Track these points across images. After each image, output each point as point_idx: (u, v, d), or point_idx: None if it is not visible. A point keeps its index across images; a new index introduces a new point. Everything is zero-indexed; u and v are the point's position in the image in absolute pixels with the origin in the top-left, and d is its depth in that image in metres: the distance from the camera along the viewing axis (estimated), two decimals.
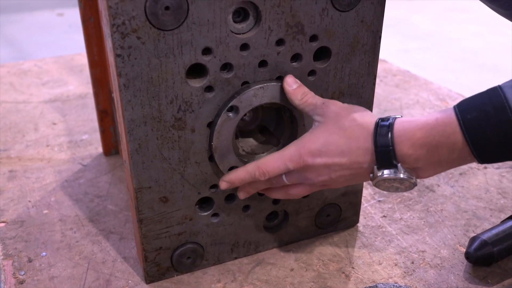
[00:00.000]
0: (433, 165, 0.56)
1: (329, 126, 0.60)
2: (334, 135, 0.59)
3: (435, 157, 0.55)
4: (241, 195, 0.67)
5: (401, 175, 0.55)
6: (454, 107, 0.54)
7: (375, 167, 0.57)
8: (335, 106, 0.61)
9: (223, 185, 0.65)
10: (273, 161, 0.62)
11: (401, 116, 0.58)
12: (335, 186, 0.64)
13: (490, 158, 0.53)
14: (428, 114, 0.55)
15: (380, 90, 1.31)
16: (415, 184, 0.57)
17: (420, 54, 2.23)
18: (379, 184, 0.58)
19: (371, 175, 0.58)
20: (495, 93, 0.52)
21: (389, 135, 0.55)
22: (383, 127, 0.56)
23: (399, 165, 0.56)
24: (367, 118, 0.59)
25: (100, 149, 1.04)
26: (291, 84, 0.63)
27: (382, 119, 0.58)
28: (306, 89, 0.63)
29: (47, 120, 1.16)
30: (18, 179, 0.94)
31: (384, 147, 0.55)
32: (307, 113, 0.63)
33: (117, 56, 0.55)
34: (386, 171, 0.56)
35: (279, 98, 0.64)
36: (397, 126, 0.56)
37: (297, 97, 0.63)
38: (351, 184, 0.64)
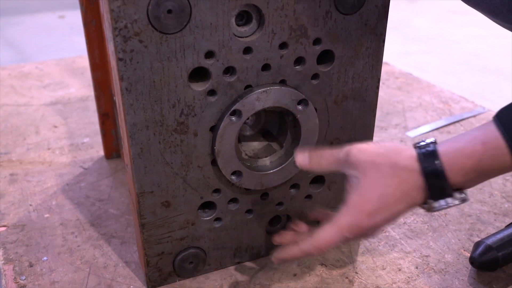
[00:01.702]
0: (480, 181, 0.55)
1: (372, 179, 0.56)
2: (384, 188, 0.55)
3: (484, 178, 0.55)
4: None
5: (457, 202, 0.55)
6: (497, 123, 0.52)
7: (431, 200, 0.55)
8: (364, 154, 0.57)
9: (275, 260, 0.63)
10: (329, 237, 0.58)
11: (435, 141, 0.56)
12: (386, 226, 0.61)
13: None
14: (470, 137, 0.53)
15: (382, 93, 1.30)
16: (467, 201, 0.56)
17: (422, 57, 2.22)
18: (434, 211, 0.57)
19: (424, 205, 0.56)
20: None
21: (440, 169, 0.53)
22: (429, 159, 0.54)
23: (454, 192, 0.54)
24: (405, 154, 0.56)
25: (101, 152, 1.03)
26: (302, 160, 0.61)
27: (420, 148, 0.55)
28: (319, 153, 0.61)
29: (48, 123, 1.16)
30: (19, 182, 0.94)
31: (436, 182, 0.54)
32: (339, 171, 0.60)
33: (119, 59, 0.54)
34: (442, 202, 0.55)
35: (282, 102, 0.63)
36: (444, 158, 0.53)
37: (316, 167, 0.61)
38: None
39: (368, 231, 0.58)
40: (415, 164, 0.55)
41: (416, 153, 0.55)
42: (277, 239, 0.65)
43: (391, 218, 0.57)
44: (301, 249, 0.60)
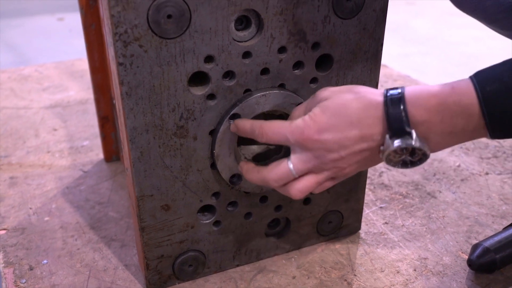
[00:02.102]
0: (446, 135, 0.53)
1: (332, 101, 0.56)
2: (342, 107, 0.55)
3: (449, 126, 0.52)
4: (248, 179, 0.63)
5: (414, 143, 0.52)
6: (471, 77, 0.51)
7: (387, 136, 0.53)
8: (329, 90, 0.58)
9: (232, 127, 0.63)
10: (276, 127, 0.58)
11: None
12: (345, 172, 0.58)
13: (503, 133, 0.51)
14: (442, 83, 0.53)
15: None
16: (427, 156, 0.54)
17: (420, 59, 2.23)
18: (390, 157, 0.54)
19: (381, 147, 0.55)
20: None
21: (401, 101, 0.52)
22: (394, 94, 0.53)
23: (412, 131, 0.52)
24: (371, 89, 0.56)
25: (101, 155, 1.04)
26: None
27: (391, 88, 0.55)
28: (291, 116, 0.62)
29: (47, 126, 1.16)
30: (19, 185, 0.94)
31: (396, 113, 0.52)
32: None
33: (119, 64, 0.55)
34: (398, 140, 0.52)
35: (281, 106, 0.64)
36: (408, 93, 0.52)
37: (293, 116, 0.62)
38: (361, 169, 0.59)
39: (316, 149, 0.56)
40: (379, 96, 0.54)
41: (383, 90, 0.55)
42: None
43: (344, 145, 0.55)
44: (252, 124, 0.60)
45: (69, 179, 0.96)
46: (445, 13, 2.75)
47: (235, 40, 0.59)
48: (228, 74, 0.61)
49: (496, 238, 0.73)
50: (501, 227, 0.81)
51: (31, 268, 0.74)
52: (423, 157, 0.54)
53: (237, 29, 0.60)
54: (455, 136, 0.53)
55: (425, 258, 0.76)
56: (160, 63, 0.57)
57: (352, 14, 0.63)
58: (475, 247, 0.73)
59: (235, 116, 0.62)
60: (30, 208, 0.88)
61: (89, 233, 0.82)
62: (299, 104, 0.64)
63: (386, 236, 0.81)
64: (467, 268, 0.74)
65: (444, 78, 1.96)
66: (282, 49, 0.62)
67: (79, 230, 0.82)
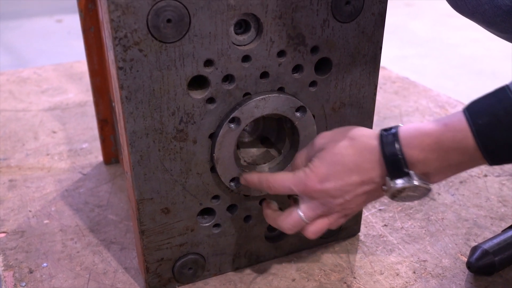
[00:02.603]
0: (444, 169, 0.55)
1: (330, 149, 0.58)
2: (338, 156, 0.57)
3: (445, 161, 0.54)
4: (267, 221, 0.67)
5: (415, 182, 0.54)
6: (464, 110, 0.52)
7: (387, 178, 0.56)
8: (325, 136, 0.60)
9: (241, 180, 0.67)
10: (281, 180, 0.62)
11: (403, 125, 0.57)
12: (354, 210, 0.61)
13: (502, 161, 0.52)
14: (434, 120, 0.54)
15: (379, 97, 1.31)
16: (429, 190, 0.56)
17: (419, 61, 2.23)
18: (395, 195, 0.56)
19: (384, 187, 0.57)
20: (504, 94, 0.51)
21: (396, 142, 0.54)
22: (389, 136, 0.55)
23: (411, 172, 0.54)
24: (365, 132, 0.58)
25: (100, 158, 1.04)
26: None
27: (385, 129, 0.57)
28: (293, 163, 0.64)
29: (46, 128, 1.16)
30: (18, 188, 0.94)
31: (393, 156, 0.54)
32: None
33: (119, 68, 0.55)
34: (399, 181, 0.54)
35: (280, 109, 0.64)
36: (402, 133, 0.54)
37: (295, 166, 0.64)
38: (368, 203, 0.62)
39: (321, 197, 0.59)
40: (373, 139, 0.56)
41: (377, 132, 0.57)
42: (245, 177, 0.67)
43: (346, 190, 0.58)
44: (259, 178, 0.64)
45: (68, 182, 0.96)
46: (444, 15, 2.76)
47: (234, 44, 0.59)
48: (228, 78, 0.61)
49: (495, 241, 0.73)
50: (500, 229, 0.82)
51: (30, 271, 0.74)
52: (425, 191, 0.56)
53: (237, 33, 0.60)
54: (454, 168, 0.55)
55: (424, 261, 0.76)
56: (159, 67, 0.57)
57: (351, 18, 0.63)
58: (474, 249, 0.73)
59: (235, 120, 0.62)
60: (30, 211, 0.88)
61: (89, 236, 0.82)
62: (298, 107, 0.65)
63: (385, 239, 0.81)
64: (466, 271, 0.74)
65: (442, 80, 1.96)
66: (281, 53, 0.62)
67: (79, 233, 0.82)
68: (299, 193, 0.61)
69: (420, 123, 0.55)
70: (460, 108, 1.27)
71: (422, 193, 0.56)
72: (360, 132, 0.58)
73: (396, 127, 0.56)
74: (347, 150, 0.57)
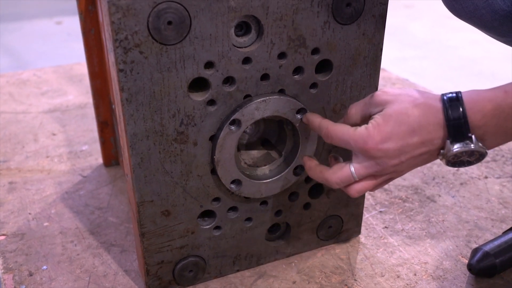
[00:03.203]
0: (500, 135, 0.56)
1: (392, 109, 0.57)
2: (403, 115, 0.57)
3: (502, 128, 0.55)
4: (309, 175, 0.66)
5: (473, 146, 0.55)
6: None
7: (448, 141, 0.56)
8: (387, 93, 0.59)
9: (304, 119, 0.66)
10: (341, 132, 0.60)
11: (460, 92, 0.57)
12: (403, 173, 0.61)
13: None
14: (494, 87, 0.55)
15: None
16: (485, 155, 0.56)
17: (418, 62, 2.23)
18: (451, 160, 0.57)
19: (441, 151, 0.57)
20: None
21: (461, 106, 0.55)
22: (452, 100, 0.55)
23: (473, 136, 0.55)
24: (428, 93, 0.58)
25: (100, 160, 1.03)
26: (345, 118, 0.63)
27: (446, 93, 0.57)
28: (347, 114, 0.63)
29: (46, 130, 1.16)
30: (18, 191, 0.94)
31: (456, 120, 0.54)
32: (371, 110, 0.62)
33: (119, 71, 0.55)
34: (458, 144, 0.55)
35: (281, 111, 0.64)
36: (466, 98, 0.55)
37: (354, 117, 0.62)
38: (416, 167, 0.61)
39: (378, 157, 0.58)
40: (437, 102, 0.56)
41: (440, 94, 0.57)
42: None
43: (405, 151, 0.57)
44: (320, 123, 0.63)
45: (68, 184, 0.96)
46: (443, 17, 2.76)
47: (235, 46, 0.59)
48: (228, 80, 0.61)
49: (496, 242, 0.73)
50: (501, 231, 0.82)
51: (30, 274, 0.74)
52: (480, 157, 0.57)
53: (237, 35, 0.60)
54: (508, 135, 0.56)
55: (425, 263, 0.76)
56: (160, 69, 0.57)
57: (351, 20, 0.63)
58: (475, 251, 0.73)
59: (235, 122, 0.62)
60: (29, 214, 0.88)
61: (89, 239, 0.81)
62: (299, 109, 0.64)
63: (386, 241, 0.81)
64: (467, 273, 0.74)
65: (442, 82, 1.96)
66: (282, 55, 0.62)
67: (79, 235, 0.82)
68: (357, 150, 0.59)
69: (479, 89, 0.56)
70: None
71: (477, 158, 0.56)
72: (423, 93, 0.58)
73: (459, 92, 0.56)
74: (413, 110, 0.57)
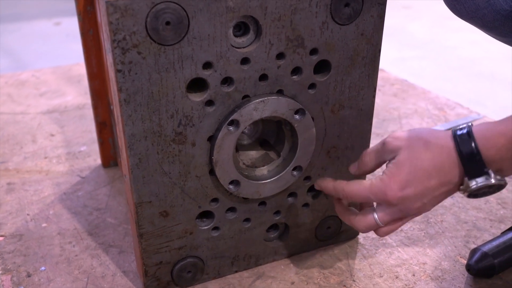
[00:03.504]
0: None
1: (406, 155, 0.58)
2: (416, 161, 0.58)
3: None
4: (341, 218, 0.69)
5: (493, 180, 0.55)
6: None
7: (465, 178, 0.56)
8: (397, 139, 0.60)
9: (316, 186, 0.70)
10: (358, 190, 0.62)
11: (472, 124, 0.57)
12: (428, 210, 0.61)
13: None
14: (504, 118, 0.55)
15: (378, 99, 1.31)
16: (505, 185, 0.57)
17: (417, 63, 2.23)
18: (472, 193, 0.57)
19: (461, 187, 0.57)
20: None
21: (473, 143, 0.55)
22: (463, 137, 0.56)
23: (490, 171, 0.55)
24: (439, 133, 0.58)
25: (98, 161, 1.03)
26: (353, 169, 0.66)
27: (457, 130, 0.57)
28: (362, 157, 0.65)
29: (45, 131, 1.16)
30: (17, 191, 0.94)
31: (471, 156, 0.55)
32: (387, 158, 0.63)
33: (117, 71, 0.55)
34: (478, 180, 0.55)
35: (279, 112, 0.64)
36: (477, 134, 0.55)
37: (366, 168, 0.65)
38: (439, 203, 0.62)
39: (400, 203, 0.59)
40: (449, 141, 0.57)
41: (450, 132, 0.57)
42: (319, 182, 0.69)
43: (425, 194, 0.58)
44: (335, 186, 0.65)
45: (66, 185, 0.96)
46: (442, 17, 2.76)
47: (233, 46, 0.59)
48: (227, 80, 0.61)
49: (495, 243, 0.73)
50: (499, 232, 0.81)
51: (28, 275, 0.74)
52: (500, 187, 0.57)
53: (236, 36, 0.60)
54: None
55: (423, 263, 0.76)
56: (158, 70, 0.57)
57: (350, 20, 0.63)
58: (473, 252, 0.73)
59: (234, 122, 0.62)
60: (28, 215, 0.87)
61: (87, 240, 0.81)
62: (298, 109, 0.64)
63: (384, 241, 0.81)
64: (466, 273, 0.74)
65: (441, 82, 1.96)
66: (280, 55, 0.62)
67: (77, 236, 0.82)
68: (378, 201, 0.61)
69: (490, 122, 0.56)
70: (458, 110, 1.27)
71: (497, 188, 0.57)
72: (434, 134, 0.59)
73: (468, 127, 0.57)
74: (425, 154, 0.57)
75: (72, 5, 0.90)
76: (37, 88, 1.39)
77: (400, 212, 0.61)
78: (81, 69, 1.49)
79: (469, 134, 0.55)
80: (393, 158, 0.60)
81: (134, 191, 0.62)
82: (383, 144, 0.61)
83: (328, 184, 0.67)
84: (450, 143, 0.56)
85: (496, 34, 0.66)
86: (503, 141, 0.54)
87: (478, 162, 0.55)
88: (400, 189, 0.58)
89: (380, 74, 1.45)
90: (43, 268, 0.75)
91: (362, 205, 0.68)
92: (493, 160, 0.55)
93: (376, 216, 0.62)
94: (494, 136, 0.54)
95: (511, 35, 0.66)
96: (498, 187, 0.57)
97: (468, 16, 0.65)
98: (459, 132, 0.56)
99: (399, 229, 0.83)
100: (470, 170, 0.55)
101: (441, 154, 0.57)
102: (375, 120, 1.20)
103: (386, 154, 0.61)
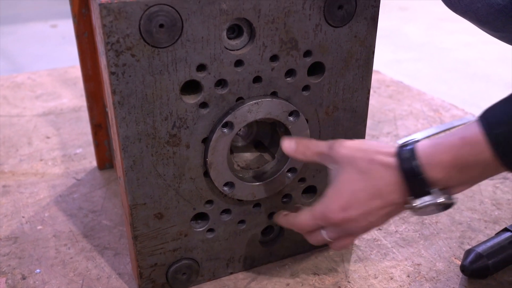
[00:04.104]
0: (466, 182, 0.54)
1: (348, 174, 0.57)
2: (358, 182, 0.56)
3: (466, 175, 0.53)
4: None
5: (438, 200, 0.53)
6: (479, 120, 0.51)
7: (409, 198, 0.55)
8: (345, 149, 0.58)
9: (274, 219, 0.71)
10: (304, 220, 0.63)
11: (418, 140, 0.55)
12: (377, 226, 0.61)
13: None
14: (450, 134, 0.53)
15: (373, 101, 1.31)
16: (453, 204, 0.55)
17: (413, 65, 2.24)
18: (417, 212, 0.56)
19: (406, 205, 0.56)
20: None
21: (416, 164, 0.53)
22: (407, 157, 0.53)
23: (433, 190, 0.54)
24: (385, 151, 0.56)
25: (94, 163, 1.03)
26: (289, 147, 0.64)
27: (401, 148, 0.55)
28: (305, 142, 0.63)
29: (40, 134, 1.16)
30: (12, 194, 0.94)
31: (413, 178, 0.53)
32: (322, 163, 0.62)
33: (111, 73, 0.55)
34: (422, 199, 0.54)
35: (274, 114, 0.64)
36: (421, 153, 0.53)
37: (301, 156, 0.63)
38: (391, 219, 0.62)
39: (345, 224, 0.59)
40: (391, 160, 0.55)
41: (394, 149, 0.56)
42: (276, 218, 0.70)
43: (370, 214, 0.57)
44: (287, 221, 0.67)
45: (62, 187, 0.95)
46: (437, 19, 2.77)
47: (227, 48, 0.59)
48: (221, 83, 0.61)
49: (489, 244, 0.73)
50: (494, 232, 0.82)
51: (23, 278, 0.74)
52: (449, 205, 0.55)
53: (229, 38, 0.60)
54: (476, 178, 0.54)
55: (418, 264, 0.76)
56: (152, 72, 0.57)
57: (343, 22, 0.63)
58: (468, 252, 0.73)
59: (228, 124, 0.62)
60: (23, 217, 0.87)
61: (82, 242, 0.81)
62: (292, 111, 0.65)
63: (379, 242, 0.81)
64: (460, 274, 0.74)
65: (436, 84, 1.97)
66: (274, 57, 0.62)
67: (72, 238, 0.82)
68: (324, 224, 0.61)
69: (436, 138, 0.54)
70: (453, 112, 1.27)
71: (446, 206, 0.55)
72: (380, 150, 0.57)
73: (412, 143, 0.55)
74: (368, 174, 0.56)
75: (69, 8, 0.90)
76: (33, 91, 1.39)
77: (346, 230, 0.60)
78: (77, 71, 1.49)
79: (412, 152, 0.53)
80: (335, 171, 0.59)
81: (128, 193, 0.62)
82: (330, 149, 0.60)
83: (281, 221, 0.68)
84: (394, 162, 0.54)
85: (489, 28, 0.66)
86: (448, 158, 0.52)
87: (422, 181, 0.53)
88: (342, 211, 0.57)
89: (375, 76, 1.45)
90: (38, 270, 0.75)
91: None
92: (438, 178, 0.53)
93: (323, 233, 0.62)
94: (439, 154, 0.52)
95: (504, 30, 0.66)
96: (446, 206, 0.55)
97: (462, 10, 0.65)
98: (403, 150, 0.54)
99: (394, 230, 0.84)
100: (414, 189, 0.54)
101: (384, 173, 0.55)
102: (370, 122, 1.20)
103: (328, 160, 0.60)
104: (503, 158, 0.50)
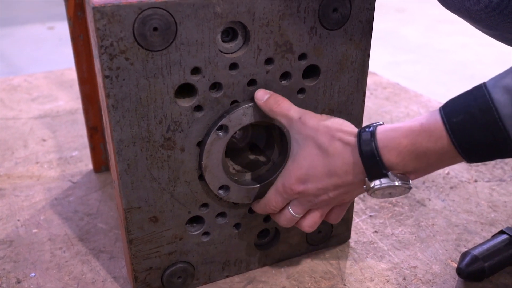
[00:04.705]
0: (423, 168, 0.55)
1: (309, 147, 0.59)
2: (317, 157, 0.58)
3: (423, 161, 0.54)
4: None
5: (395, 183, 0.54)
6: (440, 109, 0.52)
7: (366, 179, 0.56)
8: (311, 120, 0.60)
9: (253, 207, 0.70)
10: (269, 195, 0.65)
11: (383, 123, 0.57)
12: (346, 200, 0.62)
13: (479, 158, 0.52)
14: (412, 120, 0.54)
15: (370, 103, 1.31)
16: (410, 188, 0.56)
17: (410, 67, 2.24)
18: (374, 194, 0.57)
19: (364, 186, 0.57)
20: (480, 93, 0.50)
21: (374, 146, 0.54)
22: (366, 139, 0.55)
23: (389, 173, 0.55)
24: (347, 130, 0.58)
25: (90, 166, 1.03)
26: (260, 96, 0.62)
27: (363, 129, 0.56)
28: (279, 99, 0.62)
29: (36, 136, 1.16)
30: (7, 197, 0.93)
31: (370, 159, 0.54)
32: (286, 127, 0.63)
33: (105, 77, 0.55)
34: (378, 181, 0.55)
35: (269, 117, 0.64)
36: (380, 135, 0.54)
37: (268, 111, 0.62)
38: (355, 197, 0.63)
39: (305, 197, 0.60)
40: (351, 139, 0.57)
41: (356, 130, 0.57)
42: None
43: (328, 190, 0.59)
44: (259, 205, 0.67)
45: (57, 190, 0.95)
46: (435, 21, 2.77)
47: (221, 51, 0.59)
48: (215, 86, 0.61)
49: (485, 246, 0.73)
50: (490, 235, 0.82)
51: (18, 281, 0.74)
52: (406, 190, 0.56)
53: (224, 41, 0.60)
54: (433, 166, 0.55)
55: (414, 267, 0.76)
56: (146, 76, 0.57)
57: (338, 25, 0.63)
58: (464, 255, 0.73)
59: (223, 127, 0.62)
60: (18, 220, 0.87)
61: (78, 245, 0.81)
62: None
63: (375, 245, 0.81)
64: (457, 277, 0.74)
65: (434, 85, 1.97)
66: (269, 61, 0.62)
67: (68, 242, 0.82)
68: (287, 196, 0.62)
69: (397, 123, 0.55)
70: None
71: (402, 191, 0.56)
72: (344, 128, 0.58)
73: (375, 126, 0.56)
74: (328, 150, 0.57)
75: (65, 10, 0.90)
76: (29, 93, 1.39)
77: (309, 202, 0.61)
78: (74, 74, 1.48)
79: (372, 134, 0.55)
80: (297, 142, 0.60)
81: (123, 196, 0.62)
82: (299, 117, 0.60)
83: (256, 208, 0.68)
84: (353, 142, 0.56)
85: (483, 26, 0.66)
86: (405, 142, 0.53)
87: (378, 164, 0.54)
88: (300, 183, 0.59)
89: (372, 78, 1.45)
90: (33, 274, 0.75)
91: None
92: (395, 162, 0.54)
93: (289, 208, 0.63)
94: (397, 138, 0.53)
95: (498, 27, 0.66)
96: (403, 190, 0.56)
97: (455, 7, 0.65)
98: (364, 131, 0.56)
99: (390, 232, 0.83)
100: (371, 171, 0.55)
101: (344, 151, 0.56)
102: (367, 124, 1.20)
103: (292, 127, 0.61)
104: (459, 146, 0.51)
